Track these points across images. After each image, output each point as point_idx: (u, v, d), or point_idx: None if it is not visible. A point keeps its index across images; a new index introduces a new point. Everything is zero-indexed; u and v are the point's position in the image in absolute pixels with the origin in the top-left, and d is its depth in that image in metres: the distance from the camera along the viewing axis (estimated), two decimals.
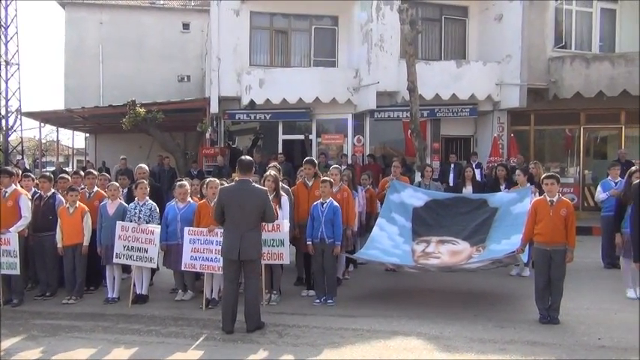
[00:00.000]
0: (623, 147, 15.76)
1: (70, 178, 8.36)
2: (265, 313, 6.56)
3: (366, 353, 5.56)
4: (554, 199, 6.44)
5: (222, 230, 6.49)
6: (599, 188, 9.89)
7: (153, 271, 8.08)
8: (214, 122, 16.36)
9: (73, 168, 26.43)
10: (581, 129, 16.67)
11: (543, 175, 6.77)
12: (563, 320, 6.40)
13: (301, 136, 16.99)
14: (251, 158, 6.56)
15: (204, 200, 7.54)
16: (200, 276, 7.82)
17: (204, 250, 7.01)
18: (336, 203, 7.41)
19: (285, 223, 7.20)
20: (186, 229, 7.17)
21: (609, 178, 9.77)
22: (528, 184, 8.94)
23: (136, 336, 6.15)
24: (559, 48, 15.96)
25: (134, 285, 7.51)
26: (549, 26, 15.72)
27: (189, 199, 7.71)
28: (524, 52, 15.15)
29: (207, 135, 16.21)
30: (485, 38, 16.40)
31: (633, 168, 8.01)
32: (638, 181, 7.31)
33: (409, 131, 14.52)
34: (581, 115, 16.43)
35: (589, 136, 17.04)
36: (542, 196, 6.62)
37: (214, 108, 15.73)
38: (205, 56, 17.32)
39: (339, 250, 7.44)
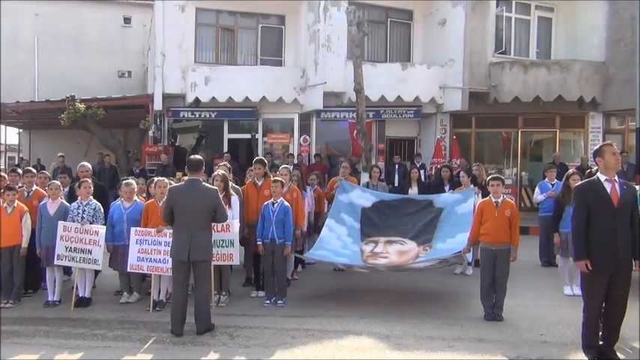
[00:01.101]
0: (557, 150, 16.48)
1: (6, 176, 7.96)
2: (215, 315, 6.46)
3: (318, 353, 5.58)
4: (499, 201, 6.66)
5: (170, 231, 6.36)
6: (537, 190, 10.29)
7: (96, 273, 7.81)
8: (158, 120, 15.99)
9: (4, 165, 25.17)
10: (519, 132, 17.32)
11: (489, 177, 6.99)
12: (507, 317, 6.62)
13: (247, 135, 16.87)
14: (201, 157, 6.44)
15: (152, 200, 7.35)
16: (146, 277, 7.63)
17: (151, 250, 6.84)
18: (287, 203, 7.40)
19: (235, 224, 7.13)
20: (132, 229, 6.98)
21: (546, 180, 10.19)
22: (472, 186, 9.20)
23: (80, 340, 5.93)
24: (499, 54, 16.50)
25: (76, 287, 7.24)
26: (490, 32, 16.23)
27: (135, 198, 7.50)
28: (466, 57, 15.59)
29: (151, 133, 15.83)
30: (430, 42, 16.78)
31: (570, 170, 8.39)
32: (577, 183, 7.72)
33: (355, 132, 14.70)
34: (519, 119, 17.07)
35: (526, 139, 17.72)
36: (487, 198, 6.82)
37: (158, 105, 15.37)
38: (148, 52, 16.90)
39: (289, 250, 7.43)
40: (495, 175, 6.94)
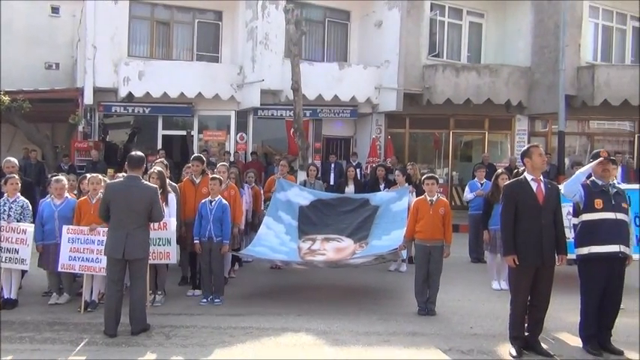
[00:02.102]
0: (486, 151, 17.15)
1: None
2: (150, 315, 6.32)
3: (257, 351, 5.59)
4: (434, 199, 6.88)
5: (105, 229, 6.19)
6: (467, 189, 10.69)
7: (22, 273, 7.47)
8: (88, 114, 15.45)
9: None
10: (451, 133, 17.90)
11: (424, 176, 7.21)
12: (440, 311, 6.85)
13: (182, 132, 16.57)
14: (142, 154, 6.30)
15: (85, 197, 7.11)
16: (76, 277, 7.38)
17: (84, 249, 6.62)
18: (225, 201, 7.34)
19: (172, 222, 7.01)
20: (64, 227, 6.72)
21: (476, 179, 10.59)
22: (406, 184, 9.43)
23: (7, 344, 5.66)
24: (432, 57, 17.00)
25: (1, 289, 6.91)
26: (424, 36, 16.69)
27: (66, 195, 7.23)
28: (401, 59, 15.96)
29: (80, 128, 15.27)
30: (366, 43, 17.06)
31: (499, 170, 8.77)
32: (506, 182, 8.08)
33: (292, 130, 14.75)
34: (450, 121, 17.64)
35: (457, 140, 18.33)
36: (422, 196, 7.03)
37: (88, 99, 14.82)
38: (77, 43, 16.23)
39: (227, 248, 7.38)
40: (430, 175, 7.17)
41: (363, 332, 6.13)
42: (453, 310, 7.02)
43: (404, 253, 7.95)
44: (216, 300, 7.21)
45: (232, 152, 15.63)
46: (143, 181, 6.17)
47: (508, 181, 5.89)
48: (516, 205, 5.42)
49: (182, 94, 14.99)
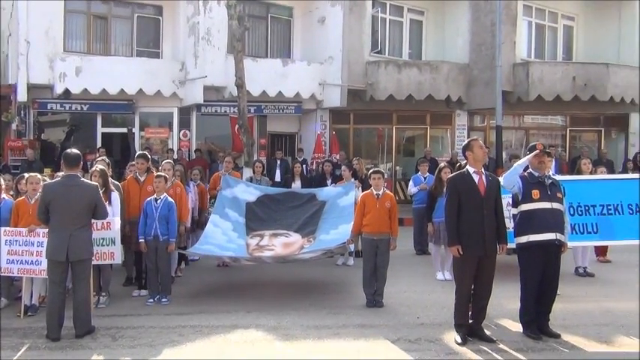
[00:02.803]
0: (428, 146, 17.55)
1: None
2: (95, 317, 6.16)
3: (206, 349, 5.55)
4: (380, 193, 7.01)
5: (44, 230, 5.99)
6: (410, 182, 10.90)
7: None
8: (22, 112, 14.80)
9: None
10: (394, 129, 18.20)
11: (370, 171, 7.32)
12: (387, 303, 6.99)
13: (123, 130, 16.13)
14: (78, 152, 6.12)
15: (22, 197, 6.84)
16: (14, 281, 7.11)
17: (22, 252, 6.37)
18: (170, 199, 7.23)
19: (115, 221, 6.84)
20: (1, 229, 6.44)
21: (419, 173, 10.81)
22: (352, 179, 9.55)
23: None
24: (375, 53, 17.22)
25: None
26: (366, 32, 16.87)
27: (3, 195, 6.93)
28: (344, 55, 16.09)
29: (14, 126, 14.62)
30: (310, 39, 17.10)
31: (442, 164, 9.01)
32: (449, 175, 8.30)
33: (236, 127, 14.63)
34: (393, 116, 17.94)
35: (400, 136, 18.66)
36: (369, 190, 7.14)
37: (22, 96, 14.16)
38: (8, 38, 15.51)
39: (173, 247, 7.28)
40: (377, 169, 7.30)
41: (313, 326, 6.18)
42: (400, 302, 7.17)
43: (352, 247, 8.05)
44: (163, 299, 7.10)
45: (175, 150, 15.36)
46: (83, 179, 6.00)
47: (451, 174, 6.05)
48: (459, 197, 5.60)
49: (122, 90, 14.59)
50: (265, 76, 15.46)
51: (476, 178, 5.63)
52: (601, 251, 9.63)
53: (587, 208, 6.67)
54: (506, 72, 16.66)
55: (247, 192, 9.11)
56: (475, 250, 5.54)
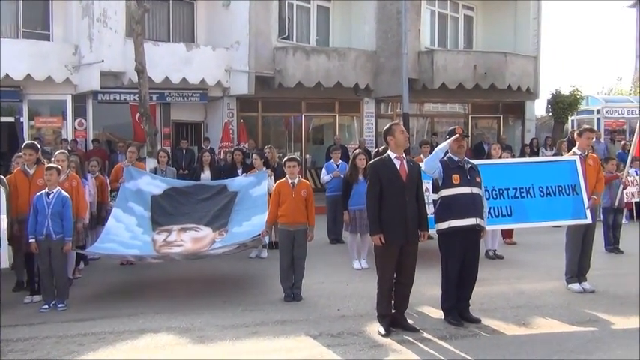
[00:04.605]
0: (337, 133, 17.47)
1: None
2: None
3: (112, 358, 5.01)
4: (296, 182, 6.71)
5: None
6: (323, 171, 10.69)
7: None
8: None
9: None
10: (303, 116, 17.96)
11: (285, 159, 7.01)
12: (306, 296, 6.73)
13: (9, 119, 14.75)
14: None
15: None
16: None
17: None
18: (65, 193, 6.53)
19: (1, 220, 6.08)
20: None
21: (331, 161, 10.64)
22: (264, 168, 9.20)
23: None
24: (282, 39, 16.84)
25: None
26: (274, 17, 16.44)
27: None
28: (251, 41, 15.59)
29: None
30: (214, 23, 16.41)
31: (357, 151, 8.86)
32: (363, 162, 8.17)
33: (138, 115, 13.82)
34: (302, 104, 17.67)
35: (309, 123, 18.46)
36: (284, 179, 6.82)
37: None
38: None
39: (70, 246, 6.58)
40: (291, 157, 7.01)
41: (229, 325, 5.79)
42: (319, 294, 6.94)
43: (266, 239, 7.72)
44: (59, 305, 6.41)
45: (70, 140, 14.24)
46: None
47: (372, 160, 5.85)
48: (381, 183, 5.42)
49: (7, 75, 13.31)
50: (168, 62, 14.67)
51: (397, 163, 5.47)
52: (507, 234, 9.93)
53: (501, 191, 6.74)
54: (412, 60, 16.88)
55: (153, 184, 8.52)
56: (398, 237, 5.39)
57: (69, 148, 12.88)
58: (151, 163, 11.45)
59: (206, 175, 9.93)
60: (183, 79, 15.04)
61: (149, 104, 13.04)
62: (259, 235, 7.16)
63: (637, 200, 11.57)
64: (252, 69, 15.64)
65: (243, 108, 16.86)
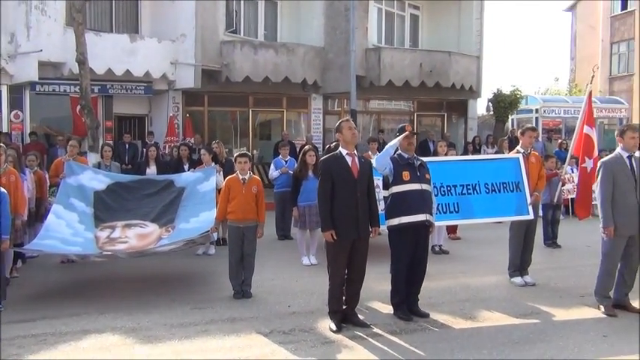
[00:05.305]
0: (285, 129, 17.41)
1: None
2: None
3: None
4: (246, 177, 6.62)
5: None
6: (272, 166, 10.61)
7: None
8: None
9: None
10: (250, 111, 17.78)
11: (236, 154, 6.90)
12: (255, 293, 6.66)
13: None
14: None
15: None
16: None
17: None
18: (2, 189, 6.21)
19: None
20: None
21: (280, 157, 10.58)
22: (213, 163, 9.04)
23: None
24: (230, 32, 16.60)
25: None
26: (221, 10, 16.17)
27: None
28: (198, 33, 15.29)
29: None
30: (159, 15, 15.96)
31: (307, 147, 8.83)
32: (313, 159, 8.18)
33: (78, 108, 13.33)
34: (250, 99, 17.49)
35: (257, 119, 18.31)
36: (234, 174, 6.72)
37: None
38: None
39: (7, 244, 6.25)
40: (243, 152, 6.89)
41: (178, 324, 5.67)
42: (269, 290, 6.89)
43: (215, 235, 7.59)
44: None
45: (5, 133, 13.57)
46: None
47: (324, 157, 5.84)
48: (333, 179, 5.42)
49: None
50: (110, 53, 14.19)
51: (349, 160, 5.48)
52: (451, 229, 10.16)
53: (449, 188, 6.87)
54: (360, 57, 16.98)
55: (95, 179, 8.23)
56: (349, 233, 5.40)
57: (3, 142, 12.31)
58: (93, 158, 11.08)
59: (152, 170, 9.70)
60: (127, 72, 14.60)
61: (90, 97, 12.59)
62: (208, 231, 7.02)
63: (573, 197, 12.05)
64: (198, 62, 15.36)
65: (189, 102, 16.54)
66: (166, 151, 14.56)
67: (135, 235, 7.63)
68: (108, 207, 7.98)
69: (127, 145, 14.28)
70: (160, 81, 15.53)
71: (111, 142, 13.49)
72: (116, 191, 8.20)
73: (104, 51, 13.94)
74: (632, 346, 5.06)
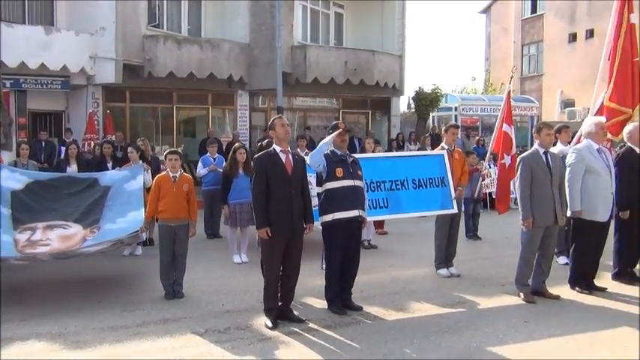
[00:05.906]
0: (210, 126, 17.16)
1: None
2: None
3: None
4: (177, 175, 6.52)
5: None
6: (200, 164, 10.51)
7: None
8: None
9: None
10: (174, 108, 17.38)
11: (166, 151, 6.77)
12: (187, 293, 6.56)
13: None
14: None
15: None
16: None
17: None
18: None
19: None
20: None
21: (208, 154, 10.47)
22: (140, 161, 8.81)
23: None
24: (152, 27, 16.15)
25: None
26: (142, 4, 15.70)
27: None
28: (118, 27, 14.77)
29: None
30: (77, 6, 15.26)
31: (237, 144, 8.79)
32: (244, 156, 8.15)
33: None
34: (174, 95, 17.09)
35: (181, 115, 17.93)
36: (164, 172, 6.59)
37: None
38: None
39: None
40: (173, 149, 6.78)
41: (108, 328, 5.49)
42: (201, 289, 6.80)
43: (144, 235, 7.40)
44: None
45: None
46: None
47: (257, 154, 5.84)
48: (267, 177, 5.43)
49: None
50: (24, 46, 13.48)
51: (283, 157, 5.51)
52: (379, 224, 10.41)
53: (378, 184, 7.04)
54: (286, 54, 16.99)
55: (12, 178, 7.76)
56: (284, 230, 5.44)
57: None
58: (6, 157, 10.47)
59: (72, 169, 9.33)
60: (42, 65, 13.90)
61: (2, 91, 11.87)
62: (137, 231, 6.84)
63: (491, 191, 12.64)
64: (119, 57, 14.85)
65: (109, 98, 15.96)
66: (85, 149, 13.96)
67: (57, 237, 7.26)
68: (27, 207, 7.56)
69: (43, 143, 13.56)
70: (78, 75, 14.90)
71: (25, 140, 12.78)
72: (36, 190, 7.77)
73: (17, 43, 13.23)
74: (550, 330, 5.42)
